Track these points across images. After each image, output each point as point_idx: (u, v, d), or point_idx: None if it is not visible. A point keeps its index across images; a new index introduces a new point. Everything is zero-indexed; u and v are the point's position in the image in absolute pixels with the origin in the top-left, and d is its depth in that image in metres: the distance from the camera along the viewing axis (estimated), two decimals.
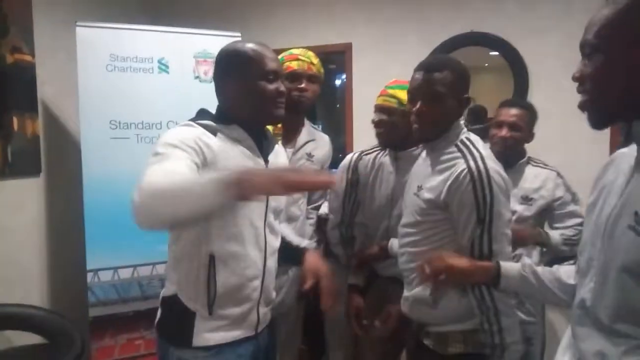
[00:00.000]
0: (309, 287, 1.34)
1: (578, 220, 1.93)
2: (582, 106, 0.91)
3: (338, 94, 3.81)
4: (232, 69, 1.30)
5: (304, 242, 1.56)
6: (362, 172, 1.91)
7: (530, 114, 1.97)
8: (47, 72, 2.66)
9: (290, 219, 1.82)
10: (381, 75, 2.14)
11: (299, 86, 1.85)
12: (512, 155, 1.95)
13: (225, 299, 1.27)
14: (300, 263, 1.43)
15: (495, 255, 1.30)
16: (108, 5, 3.05)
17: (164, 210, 0.99)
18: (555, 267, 1.19)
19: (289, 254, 1.47)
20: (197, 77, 2.63)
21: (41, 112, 2.66)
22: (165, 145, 1.17)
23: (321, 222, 2.06)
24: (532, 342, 1.88)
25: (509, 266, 1.25)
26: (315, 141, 1.98)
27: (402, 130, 1.71)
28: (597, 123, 0.90)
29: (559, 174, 2.00)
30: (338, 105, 3.79)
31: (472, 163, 1.31)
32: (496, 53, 2.86)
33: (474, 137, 1.41)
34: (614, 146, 2.46)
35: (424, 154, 1.53)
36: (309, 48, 2.05)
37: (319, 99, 2.10)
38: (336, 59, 3.38)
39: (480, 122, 2.96)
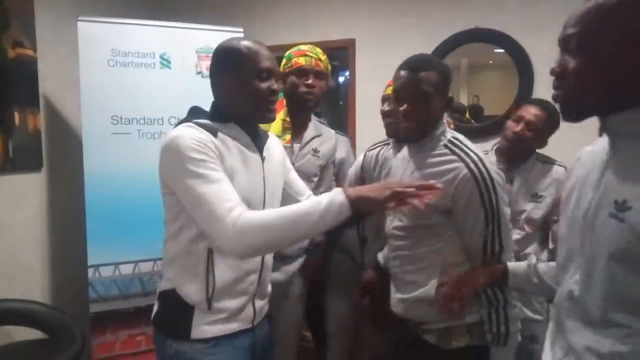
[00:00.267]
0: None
1: None
2: (556, 98, 0.92)
3: (341, 91, 3.79)
4: (226, 66, 1.31)
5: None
6: (367, 168, 1.90)
7: (551, 121, 1.89)
8: (48, 67, 2.65)
9: None
10: (384, 71, 2.11)
11: (307, 82, 1.84)
12: (519, 153, 1.93)
13: (223, 293, 1.28)
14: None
15: (505, 250, 1.36)
16: (110, 0, 3.04)
17: (283, 244, 1.27)
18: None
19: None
20: (199, 73, 2.62)
21: (42, 107, 2.65)
22: (195, 161, 1.19)
23: None
24: (539, 340, 1.86)
25: (514, 265, 1.32)
26: (321, 136, 1.98)
27: None
28: (571, 116, 0.91)
29: (567, 170, 1.97)
30: (341, 102, 3.78)
31: (473, 167, 1.33)
32: (501, 50, 2.83)
33: (461, 137, 1.43)
34: None
35: (404, 153, 1.52)
36: (312, 44, 2.04)
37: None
38: (339, 55, 3.37)
39: (478, 120, 2.94)
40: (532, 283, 1.26)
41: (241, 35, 2.63)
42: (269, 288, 1.45)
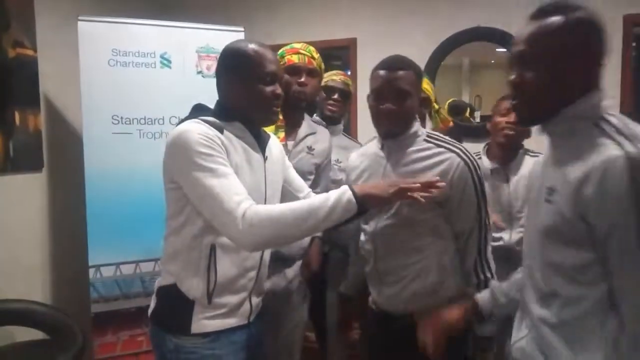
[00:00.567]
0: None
1: None
2: (514, 107, 1.06)
3: None
4: (232, 68, 1.33)
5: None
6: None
7: None
8: (49, 67, 2.64)
9: None
10: None
11: (299, 80, 1.84)
12: (511, 149, 1.95)
13: (224, 288, 1.30)
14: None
15: (489, 230, 1.47)
16: (110, 0, 3.03)
17: (291, 238, 1.30)
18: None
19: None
20: (199, 72, 2.61)
21: (43, 107, 2.65)
22: (204, 156, 1.20)
23: None
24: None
25: (480, 296, 1.35)
26: (316, 135, 1.97)
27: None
28: (525, 122, 1.08)
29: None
30: None
31: (464, 156, 1.40)
32: (503, 49, 2.82)
33: (437, 132, 1.52)
34: None
35: (374, 149, 1.53)
36: (313, 43, 2.03)
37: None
38: (340, 54, 3.36)
39: (460, 117, 2.93)
40: (501, 304, 1.29)
41: (242, 34, 2.63)
42: (266, 286, 1.48)
